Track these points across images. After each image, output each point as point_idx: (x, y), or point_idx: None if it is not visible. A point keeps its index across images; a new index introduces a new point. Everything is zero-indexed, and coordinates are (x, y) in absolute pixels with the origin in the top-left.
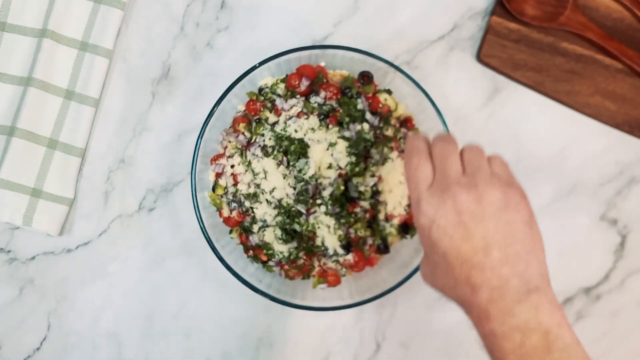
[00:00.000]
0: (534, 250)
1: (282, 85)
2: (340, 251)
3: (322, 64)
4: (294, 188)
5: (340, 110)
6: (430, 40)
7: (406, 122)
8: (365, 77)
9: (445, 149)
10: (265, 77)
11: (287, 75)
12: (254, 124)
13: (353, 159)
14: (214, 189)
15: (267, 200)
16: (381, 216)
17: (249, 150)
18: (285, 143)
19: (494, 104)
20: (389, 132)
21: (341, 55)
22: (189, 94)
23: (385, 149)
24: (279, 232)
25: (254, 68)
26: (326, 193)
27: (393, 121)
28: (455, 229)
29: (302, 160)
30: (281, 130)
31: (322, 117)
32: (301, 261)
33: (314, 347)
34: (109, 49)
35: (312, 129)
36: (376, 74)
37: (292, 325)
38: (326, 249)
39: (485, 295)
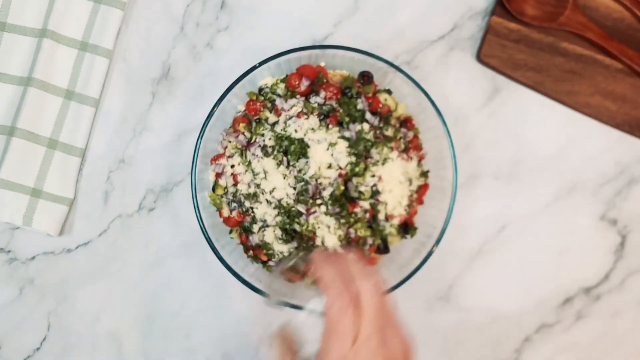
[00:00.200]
0: None
1: (282, 85)
2: (340, 251)
3: (322, 64)
4: (294, 188)
5: (340, 110)
6: (430, 40)
7: (406, 122)
8: (365, 77)
9: (339, 311)
10: (265, 77)
11: (287, 75)
12: (254, 124)
13: (353, 159)
14: (214, 189)
15: (267, 200)
16: (381, 216)
17: (249, 150)
18: (285, 143)
19: (494, 104)
20: (389, 132)
21: (341, 55)
22: (189, 94)
23: (385, 149)
24: (279, 232)
25: (254, 68)
26: (326, 193)
27: (393, 121)
28: None
29: (302, 160)
30: (281, 130)
31: (322, 117)
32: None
33: (313, 347)
34: (109, 49)
35: (312, 129)
36: (376, 74)
37: (292, 325)
38: (326, 249)
39: None
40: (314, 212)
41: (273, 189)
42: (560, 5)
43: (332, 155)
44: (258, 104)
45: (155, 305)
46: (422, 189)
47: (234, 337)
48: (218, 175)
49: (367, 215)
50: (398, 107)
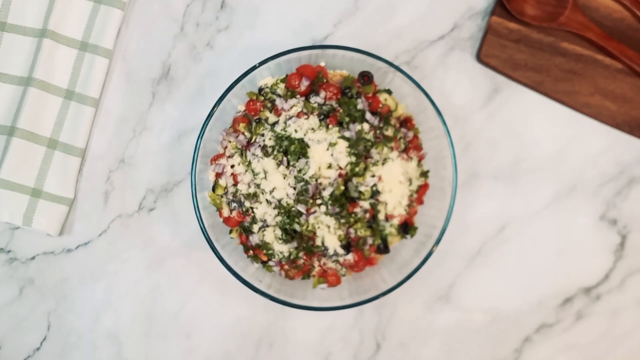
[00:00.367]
0: None
1: (282, 85)
2: (340, 251)
3: (322, 64)
4: (294, 188)
5: (340, 110)
6: (430, 40)
7: (406, 122)
8: (365, 77)
9: None
10: (265, 77)
11: (287, 75)
12: (254, 124)
13: (353, 159)
14: (214, 189)
15: (267, 200)
16: (381, 216)
17: (249, 150)
18: (285, 143)
19: (494, 104)
20: (389, 132)
21: (341, 55)
22: (189, 94)
23: (385, 149)
24: (279, 232)
25: (254, 68)
26: (326, 193)
27: (393, 121)
28: None
29: (302, 160)
30: (281, 130)
31: (322, 117)
32: (301, 261)
33: (314, 347)
34: (109, 49)
35: (312, 129)
36: (376, 74)
37: (292, 325)
38: (326, 249)
39: None
40: (314, 212)
41: (273, 189)
42: (560, 5)
43: (332, 155)
44: (258, 104)
45: (155, 305)
46: (422, 189)
47: (234, 337)
48: (218, 175)
49: (367, 215)
50: (398, 107)
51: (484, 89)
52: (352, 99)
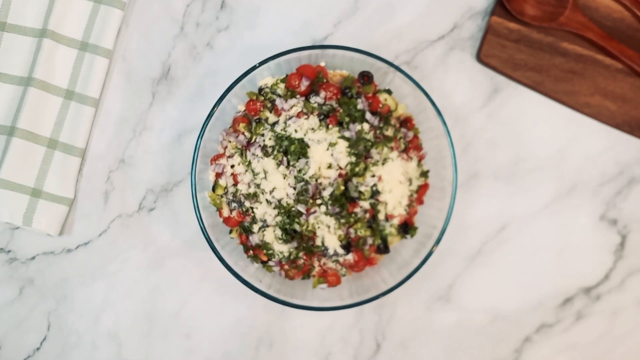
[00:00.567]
0: None
1: (282, 85)
2: (340, 251)
3: (322, 64)
4: (294, 188)
5: (340, 110)
6: (430, 40)
7: (406, 122)
8: (365, 77)
9: None
10: (265, 77)
11: (287, 75)
12: (254, 124)
13: (353, 159)
14: (214, 189)
15: (267, 200)
16: (381, 216)
17: (249, 150)
18: (285, 143)
19: (494, 104)
20: (389, 132)
21: (341, 55)
22: (189, 94)
23: (385, 149)
24: (279, 232)
25: (254, 68)
26: (326, 193)
27: (393, 121)
28: None
29: (302, 160)
30: (281, 130)
31: (322, 117)
32: (301, 261)
33: (314, 347)
34: (109, 49)
35: (312, 129)
36: (376, 74)
37: (292, 325)
38: (326, 249)
39: None
40: (314, 212)
41: (273, 189)
42: (560, 5)
43: (332, 155)
44: (258, 104)
45: (155, 305)
46: (422, 189)
47: (234, 337)
48: (218, 175)
49: (367, 215)
50: (398, 107)
51: (484, 89)
52: (352, 99)
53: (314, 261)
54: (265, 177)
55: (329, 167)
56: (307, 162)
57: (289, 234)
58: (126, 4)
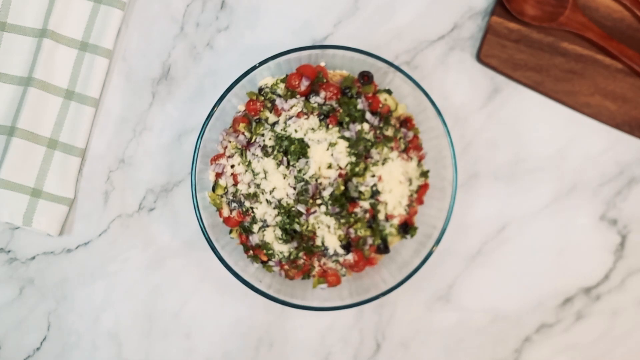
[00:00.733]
0: None
1: (282, 85)
2: (340, 251)
3: (322, 64)
4: (294, 188)
5: (340, 110)
6: (430, 40)
7: (406, 122)
8: (365, 77)
9: None
10: (265, 77)
11: (287, 75)
12: (254, 124)
13: (353, 159)
14: (214, 189)
15: (267, 200)
16: (381, 216)
17: (249, 150)
18: (285, 143)
19: (494, 104)
20: (389, 132)
21: (341, 55)
22: (189, 94)
23: (385, 149)
24: (279, 232)
25: (254, 68)
26: (326, 193)
27: (393, 121)
28: None
29: (302, 160)
30: (281, 130)
31: (322, 117)
32: (301, 261)
33: (314, 347)
34: (109, 49)
35: (312, 129)
36: (376, 74)
37: (292, 325)
38: (326, 249)
39: None
40: (314, 212)
41: (273, 189)
42: (560, 5)
43: (332, 155)
44: (258, 104)
45: (155, 305)
46: (422, 189)
47: (234, 337)
48: (218, 175)
49: (367, 215)
50: (398, 107)
51: (484, 89)
52: (352, 99)
53: (314, 261)
54: (265, 177)
55: (329, 167)
56: (307, 162)
57: (289, 234)
58: (126, 4)
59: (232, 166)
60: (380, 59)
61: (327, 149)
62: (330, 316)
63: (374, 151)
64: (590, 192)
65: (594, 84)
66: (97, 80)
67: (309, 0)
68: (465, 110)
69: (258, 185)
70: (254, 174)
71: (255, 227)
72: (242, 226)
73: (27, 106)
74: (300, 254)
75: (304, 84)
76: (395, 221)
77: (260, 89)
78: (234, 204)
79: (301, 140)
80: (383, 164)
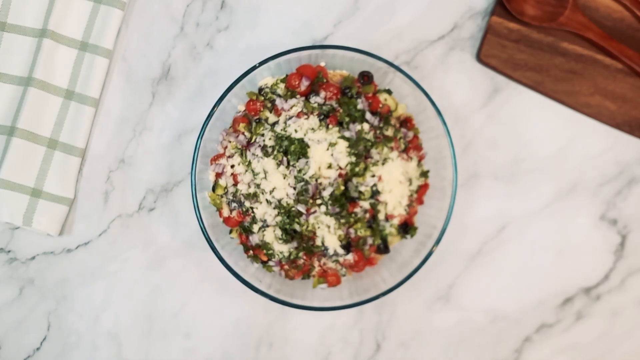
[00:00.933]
0: None
1: (282, 85)
2: (340, 251)
3: (322, 64)
4: (294, 188)
5: (340, 110)
6: (430, 40)
7: (406, 122)
8: (365, 77)
9: None
10: (265, 77)
11: (287, 75)
12: (254, 124)
13: (353, 159)
14: (214, 189)
15: (267, 200)
16: (381, 216)
17: (249, 150)
18: (285, 143)
19: (494, 104)
20: (389, 132)
21: (341, 55)
22: (189, 94)
23: (385, 149)
24: (279, 232)
25: (254, 68)
26: (326, 193)
27: (393, 121)
28: None
29: (302, 160)
30: (281, 130)
31: (322, 117)
32: (301, 261)
33: (314, 347)
34: (109, 49)
35: (312, 129)
36: (376, 74)
37: (292, 325)
38: (326, 249)
39: None
40: (314, 212)
41: (273, 189)
42: (560, 5)
43: (332, 155)
44: (258, 104)
45: (155, 305)
46: (422, 189)
47: (234, 337)
48: (218, 175)
49: (367, 215)
50: (398, 107)
51: (484, 89)
52: (352, 99)
53: (314, 261)
54: (265, 177)
55: (329, 167)
56: (307, 162)
57: (289, 234)
58: (126, 4)
59: (232, 166)
60: (380, 59)
61: (327, 149)
62: (330, 316)
63: (374, 151)
64: (590, 192)
65: (594, 84)
66: (97, 80)
67: (309, 0)
68: (465, 110)
69: (258, 185)
70: (254, 174)
71: (255, 227)
72: (242, 226)
73: (27, 106)
74: (300, 254)
75: (304, 84)
76: (395, 221)
77: (260, 89)
78: (234, 204)
79: (301, 140)
80: (383, 164)
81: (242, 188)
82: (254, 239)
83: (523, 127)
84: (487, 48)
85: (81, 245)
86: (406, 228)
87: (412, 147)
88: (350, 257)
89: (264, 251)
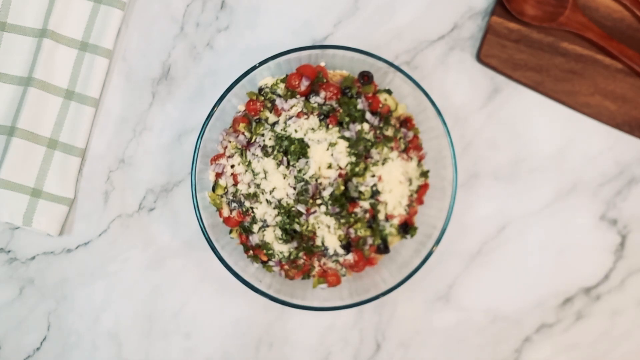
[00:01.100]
0: None
1: (282, 85)
2: (340, 251)
3: (322, 64)
4: (294, 188)
5: (340, 110)
6: (430, 40)
7: (406, 122)
8: (365, 77)
9: None
10: (265, 77)
11: (287, 75)
12: (254, 124)
13: (353, 159)
14: (214, 189)
15: (267, 200)
16: (381, 216)
17: (249, 150)
18: (285, 143)
19: (494, 104)
20: (389, 132)
21: (341, 55)
22: (189, 94)
23: (385, 149)
24: (279, 232)
25: (254, 68)
26: (326, 193)
27: (393, 121)
28: None
29: (302, 160)
30: (281, 130)
31: (322, 117)
32: (301, 261)
33: (314, 347)
34: (109, 49)
35: (312, 129)
36: (376, 74)
37: (292, 325)
38: (326, 249)
39: None
40: (314, 212)
41: (273, 189)
42: (560, 5)
43: (332, 155)
44: (258, 104)
45: (155, 305)
46: (422, 189)
47: (234, 337)
48: (218, 175)
49: (367, 215)
50: (398, 107)
51: (484, 89)
52: (352, 99)
53: (314, 261)
54: (265, 177)
55: (329, 167)
56: (307, 162)
57: (289, 234)
58: (126, 4)
59: (232, 166)
60: (380, 59)
61: (327, 149)
62: (330, 316)
63: (374, 151)
64: (590, 192)
65: (594, 84)
66: (97, 80)
67: (309, 0)
68: (465, 110)
69: (258, 185)
70: (254, 174)
71: (255, 227)
72: (242, 226)
73: (27, 106)
74: (300, 254)
75: (304, 84)
76: (395, 221)
77: (260, 89)
78: (234, 204)
79: (301, 140)
80: (383, 164)
81: (242, 188)
82: (254, 239)
83: (523, 127)
84: (487, 48)
85: (81, 245)
86: (406, 228)
87: (412, 147)
88: (350, 257)
89: (264, 251)
